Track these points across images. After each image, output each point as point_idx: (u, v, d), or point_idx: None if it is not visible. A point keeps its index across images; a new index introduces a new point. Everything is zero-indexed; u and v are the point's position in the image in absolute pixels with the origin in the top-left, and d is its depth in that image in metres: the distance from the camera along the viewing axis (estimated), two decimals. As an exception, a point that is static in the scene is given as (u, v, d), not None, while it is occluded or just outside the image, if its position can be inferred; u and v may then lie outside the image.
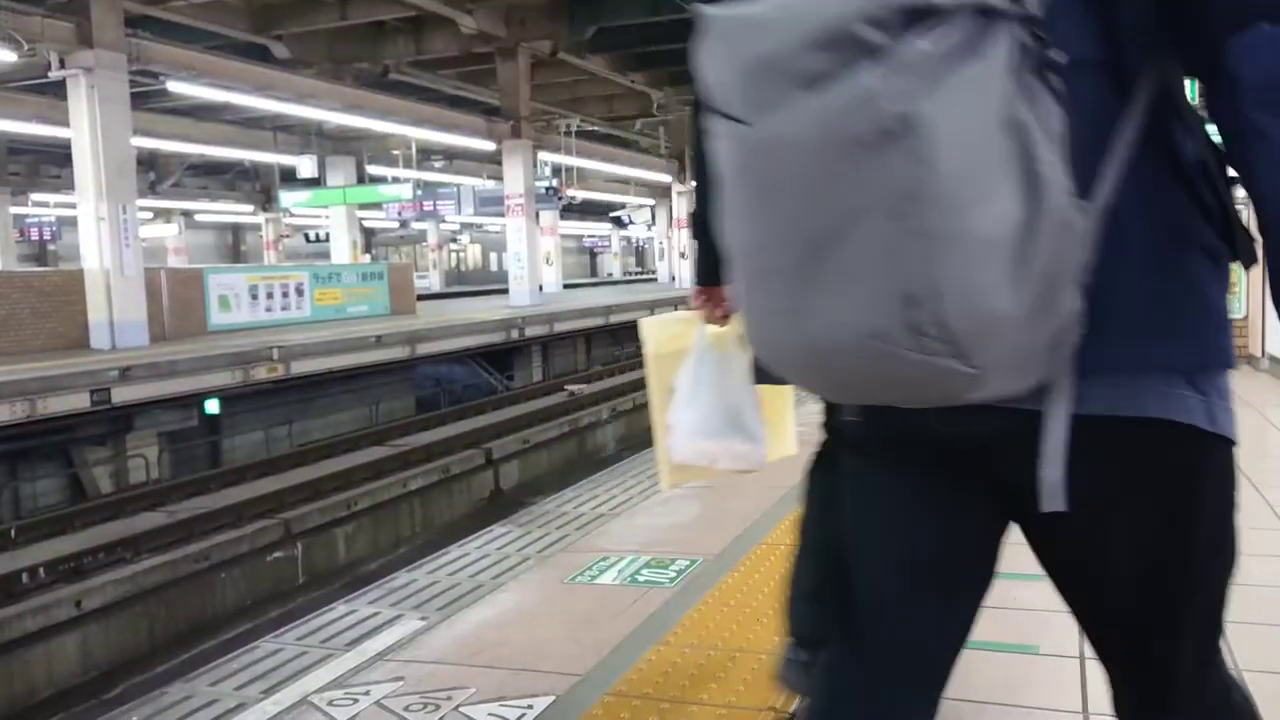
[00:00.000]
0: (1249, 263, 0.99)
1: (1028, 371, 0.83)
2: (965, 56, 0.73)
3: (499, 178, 20.83)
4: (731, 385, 1.96)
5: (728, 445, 1.99)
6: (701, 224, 1.80)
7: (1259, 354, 7.10)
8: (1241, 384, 6.40)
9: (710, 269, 1.92)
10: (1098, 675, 2.22)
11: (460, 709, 2.24)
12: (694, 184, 1.99)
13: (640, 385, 16.36)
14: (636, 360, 19.45)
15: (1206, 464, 1.00)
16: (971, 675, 2.28)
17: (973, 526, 1.06)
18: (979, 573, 1.11)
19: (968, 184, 0.73)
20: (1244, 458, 3.61)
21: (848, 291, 0.76)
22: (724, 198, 0.85)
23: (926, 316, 0.74)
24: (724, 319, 1.94)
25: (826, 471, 2.09)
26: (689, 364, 1.99)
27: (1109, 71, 0.88)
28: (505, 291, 21.32)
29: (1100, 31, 0.87)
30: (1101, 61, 0.88)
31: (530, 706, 2.24)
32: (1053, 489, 0.88)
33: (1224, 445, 0.99)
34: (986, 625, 2.53)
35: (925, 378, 0.78)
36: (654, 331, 2.21)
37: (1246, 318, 7.28)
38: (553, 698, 2.28)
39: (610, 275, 54.29)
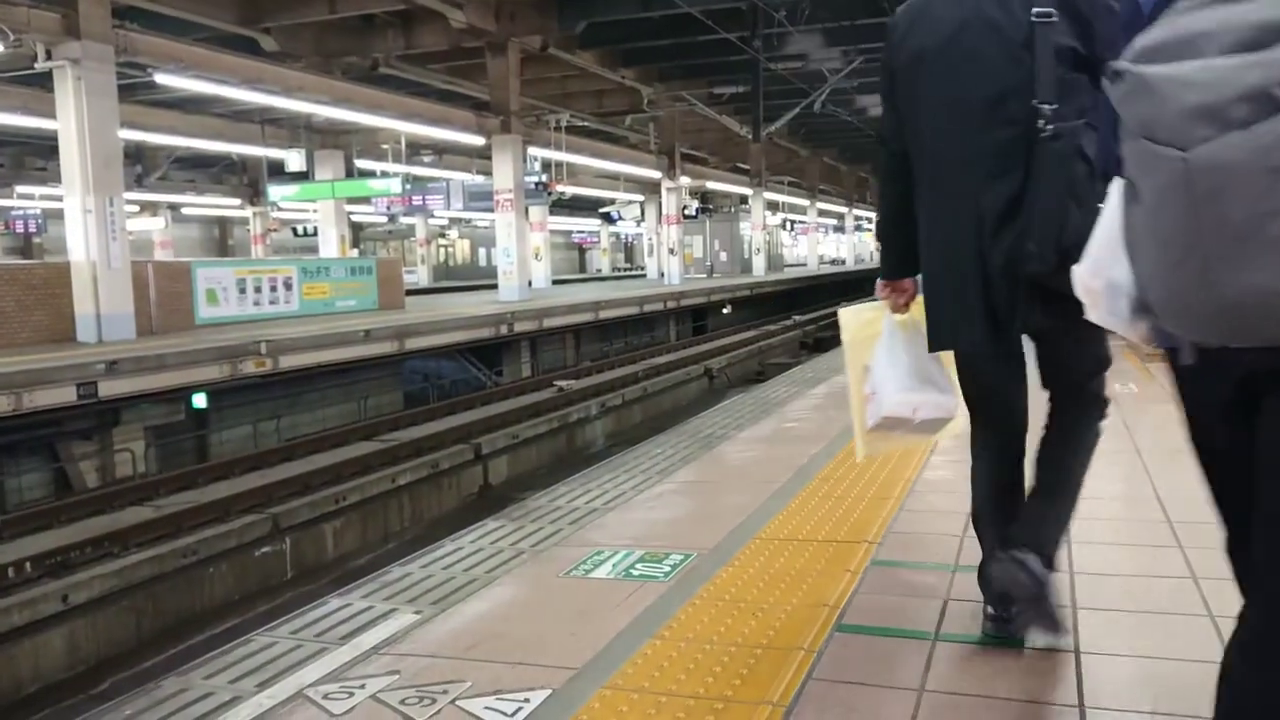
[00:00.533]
0: None
1: None
2: None
3: (488, 173, 20.79)
4: (920, 353, 2.46)
5: (928, 396, 2.48)
6: (889, 230, 2.47)
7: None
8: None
9: (895, 266, 2.50)
10: (1093, 668, 2.24)
11: (457, 702, 2.24)
12: (880, 203, 2.55)
13: (629, 381, 16.38)
14: (625, 357, 19.46)
15: None
16: (967, 670, 2.29)
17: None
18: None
19: None
20: (1236, 454, 3.55)
21: (1264, 264, 1.08)
22: (1134, 205, 1.24)
23: None
24: (905, 306, 2.52)
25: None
26: (881, 342, 2.52)
27: None
28: (494, 287, 21.29)
29: None
30: None
31: (527, 700, 2.24)
32: None
33: None
34: (980, 619, 2.55)
35: None
36: (849, 320, 2.68)
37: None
38: (550, 691, 2.28)
39: (599, 271, 54.29)
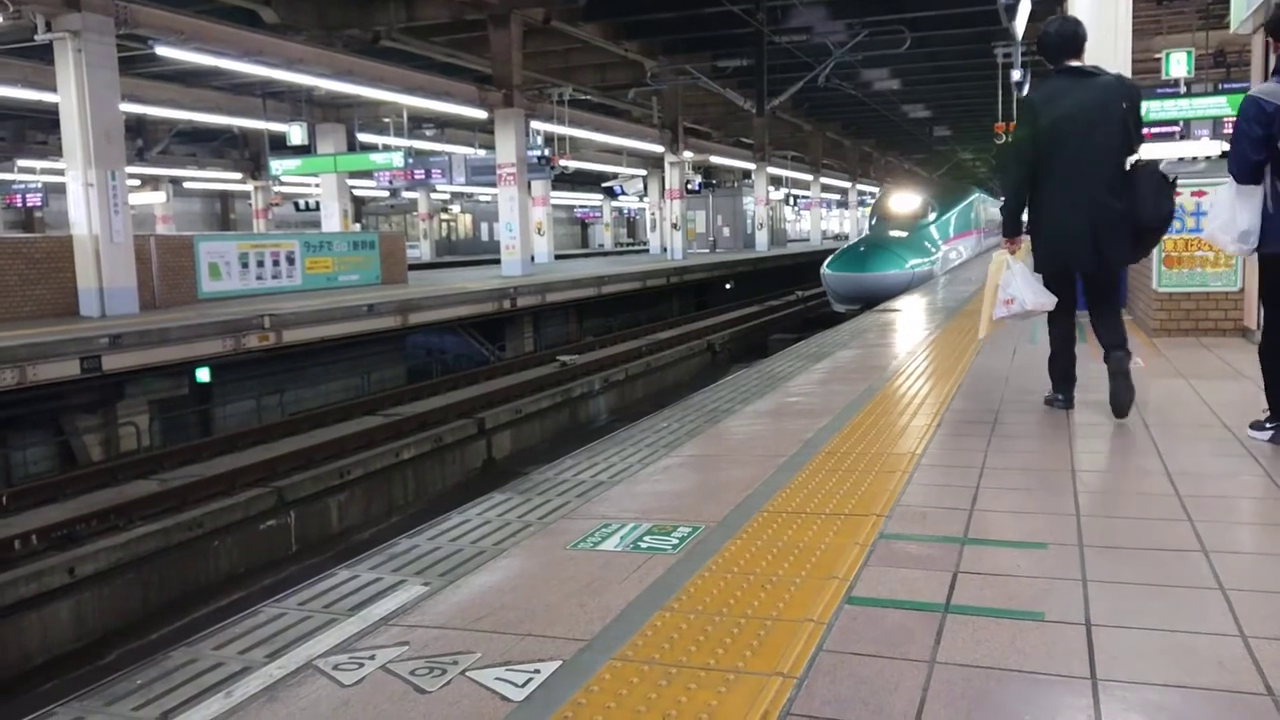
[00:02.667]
0: None
1: None
2: None
3: (491, 147, 20.68)
4: (1033, 278, 4.69)
5: (1046, 298, 4.66)
6: (1015, 211, 4.64)
7: (1254, 327, 7.11)
8: (1237, 356, 6.42)
9: (1014, 230, 4.69)
10: (1104, 641, 2.23)
11: (467, 673, 2.24)
12: (1010, 197, 4.74)
13: (632, 356, 16.39)
14: (629, 332, 19.43)
15: None
16: (978, 642, 2.29)
17: None
18: None
19: None
20: (1241, 428, 3.64)
21: None
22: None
23: None
24: (1015, 251, 4.73)
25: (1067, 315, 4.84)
26: (1014, 271, 4.71)
27: None
28: (497, 262, 21.23)
29: None
30: None
31: (537, 671, 2.23)
32: None
33: None
34: (990, 592, 2.54)
35: None
36: (993, 262, 4.94)
37: (1243, 291, 7.29)
38: (559, 662, 2.27)
39: (601, 246, 54.13)
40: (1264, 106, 3.70)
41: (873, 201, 23.52)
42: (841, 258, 17.99)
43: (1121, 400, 4.53)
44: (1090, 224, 4.43)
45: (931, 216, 19.82)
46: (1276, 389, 4.02)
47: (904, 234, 18.79)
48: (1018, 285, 4.66)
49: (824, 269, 17.89)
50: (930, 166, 53.32)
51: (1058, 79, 4.61)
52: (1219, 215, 3.97)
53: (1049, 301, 4.66)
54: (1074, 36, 4.60)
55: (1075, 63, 4.58)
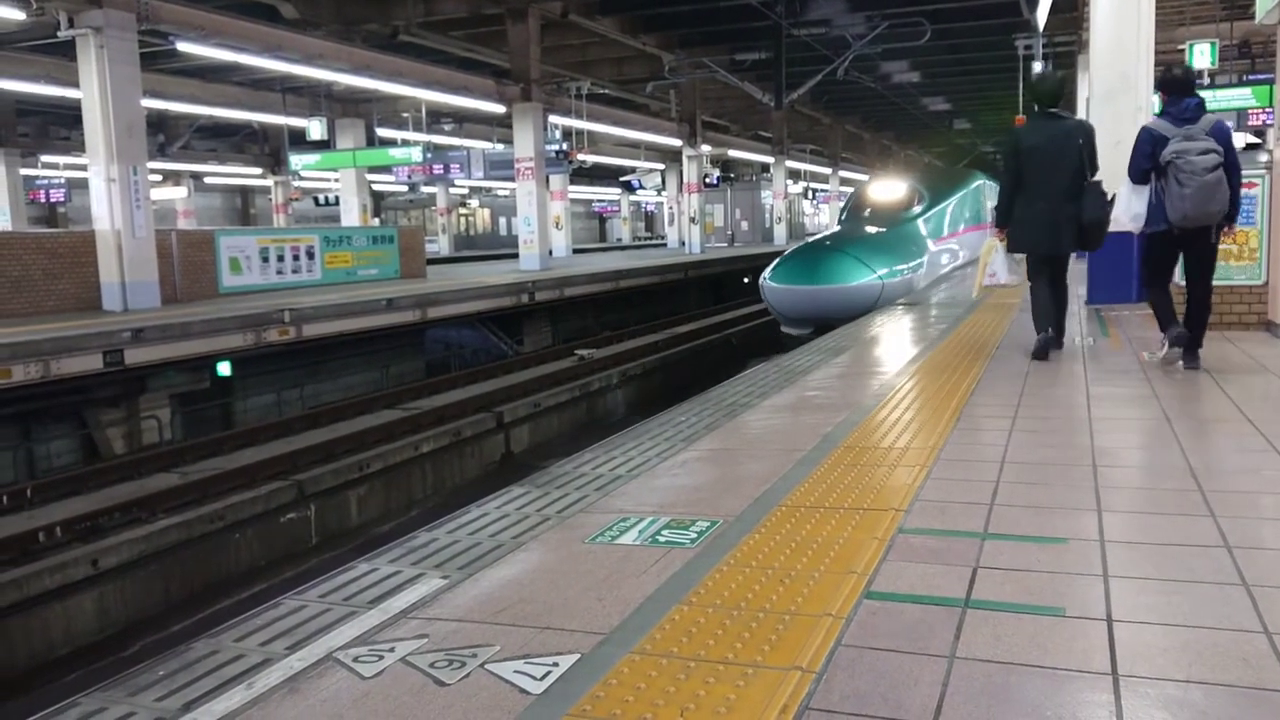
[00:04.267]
0: None
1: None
2: None
3: (509, 141, 20.70)
4: (1010, 259, 6.75)
5: (1015, 276, 6.84)
6: (1005, 209, 6.34)
7: (1279, 321, 7.04)
8: (1262, 350, 6.36)
9: (1003, 223, 6.37)
10: (1125, 636, 2.22)
11: (486, 666, 2.24)
12: (1002, 200, 6.37)
13: (649, 351, 16.39)
14: (647, 326, 19.42)
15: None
16: (998, 637, 2.28)
17: None
18: None
19: None
20: (1265, 423, 3.61)
21: (1208, 206, 5.37)
22: (1173, 189, 5.42)
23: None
24: (1003, 239, 6.51)
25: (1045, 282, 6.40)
26: (997, 253, 6.79)
27: None
28: (515, 256, 21.26)
29: None
30: None
31: (556, 664, 2.24)
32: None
33: None
34: (1010, 587, 2.53)
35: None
36: (986, 245, 7.74)
37: (1267, 284, 7.21)
38: (578, 655, 2.28)
39: (619, 240, 54.12)
40: (1153, 134, 5.52)
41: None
42: (788, 264, 13.44)
43: (1041, 349, 6.37)
44: (1052, 220, 6.18)
45: (918, 208, 15.65)
46: (1162, 312, 5.85)
47: (880, 230, 14.80)
48: (998, 263, 6.81)
49: (764, 279, 13.43)
50: (950, 160, 53.00)
51: (1038, 119, 6.43)
52: (1120, 205, 5.72)
53: (1017, 280, 6.79)
54: (1055, 91, 6.53)
55: (1052, 110, 6.41)
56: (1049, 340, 6.36)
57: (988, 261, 6.97)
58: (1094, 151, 6.19)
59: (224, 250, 14.22)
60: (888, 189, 16.40)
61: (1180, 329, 5.73)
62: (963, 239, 17.18)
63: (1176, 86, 5.59)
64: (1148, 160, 5.48)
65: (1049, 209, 6.13)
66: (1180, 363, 5.79)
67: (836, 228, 17.03)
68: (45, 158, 25.91)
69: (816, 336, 9.38)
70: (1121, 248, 8.95)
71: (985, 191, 19.24)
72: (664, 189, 36.89)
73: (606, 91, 25.15)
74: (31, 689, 6.52)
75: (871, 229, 14.75)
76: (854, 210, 16.19)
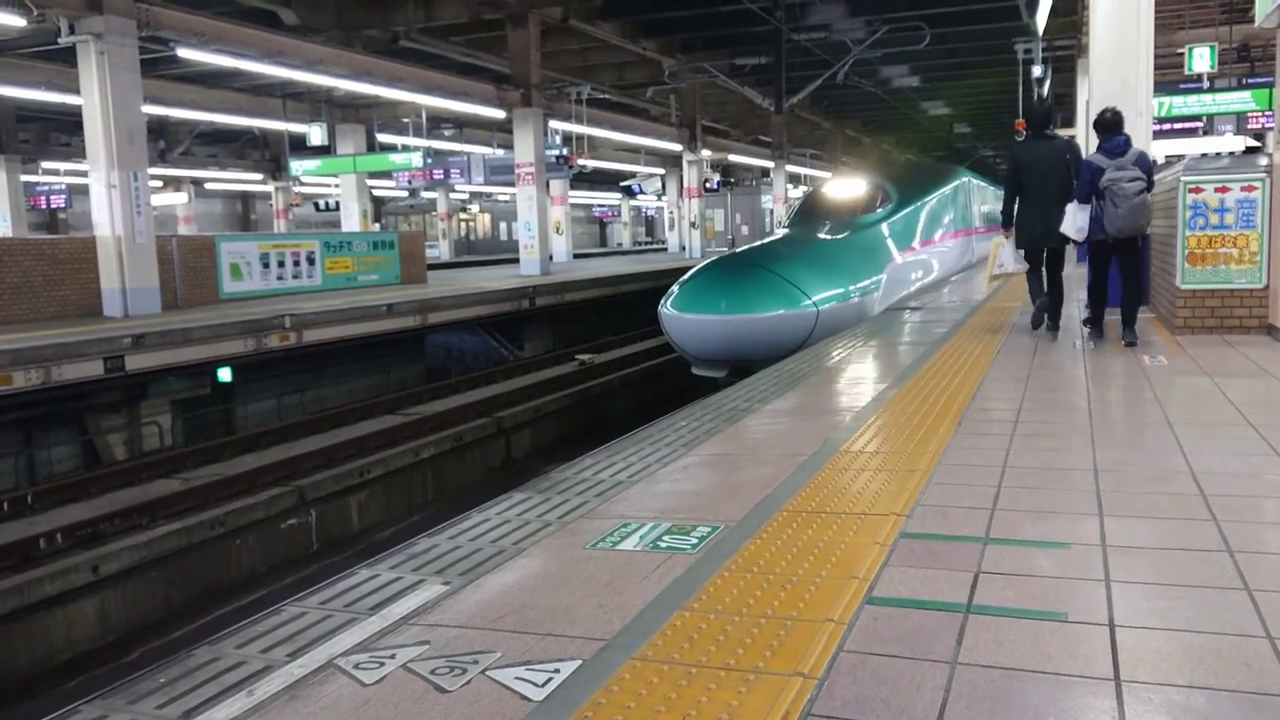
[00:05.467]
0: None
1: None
2: None
3: (509, 146, 20.71)
4: (1015, 252, 7.85)
5: (1021, 265, 7.88)
6: (1009, 214, 7.67)
7: (1279, 324, 7.04)
8: (1262, 354, 6.36)
9: (1007, 224, 7.71)
10: (1128, 642, 2.21)
11: (487, 673, 2.24)
12: (1006, 206, 7.71)
13: (650, 355, 16.38)
14: (647, 332, 19.42)
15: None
16: (1000, 643, 2.27)
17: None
18: None
19: None
20: (1266, 427, 3.60)
21: (1133, 220, 6.85)
22: (1109, 209, 6.83)
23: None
24: (1008, 237, 7.80)
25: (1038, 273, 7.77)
26: (1004, 248, 7.91)
27: None
28: (515, 261, 21.26)
29: None
30: None
31: (557, 670, 2.23)
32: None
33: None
34: (1012, 592, 2.53)
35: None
36: (995, 241, 8.27)
37: (1268, 288, 7.21)
38: (579, 662, 2.27)
39: (620, 245, 54.14)
40: (1093, 167, 6.90)
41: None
42: (694, 285, 10.22)
43: (1037, 317, 7.80)
44: (1045, 219, 7.36)
45: (881, 211, 12.80)
46: (1094, 300, 7.55)
47: (827, 239, 12.02)
48: (1006, 255, 7.90)
49: (663, 306, 10.22)
50: (951, 163, 52.93)
51: (1032, 139, 7.76)
52: (1067, 220, 7.07)
53: (1022, 268, 7.86)
54: (1047, 116, 8.08)
55: (1046, 131, 7.82)
56: (1044, 306, 7.72)
57: (997, 255, 8.00)
58: (1080, 163, 7.23)
59: (225, 256, 14.23)
60: (845, 188, 13.53)
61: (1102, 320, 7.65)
62: (940, 248, 14.33)
63: (1108, 127, 6.96)
64: (1090, 187, 6.88)
65: (1043, 211, 7.36)
66: (1089, 339, 7.44)
67: (776, 234, 13.82)
68: (46, 164, 25.96)
69: (736, 379, 7.42)
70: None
71: (971, 192, 16.85)
72: (664, 194, 36.91)
73: (607, 96, 25.18)
74: (32, 696, 6.51)
75: (822, 237, 12.11)
76: (803, 215, 13.29)
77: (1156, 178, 7.37)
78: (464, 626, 2.53)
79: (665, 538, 3.15)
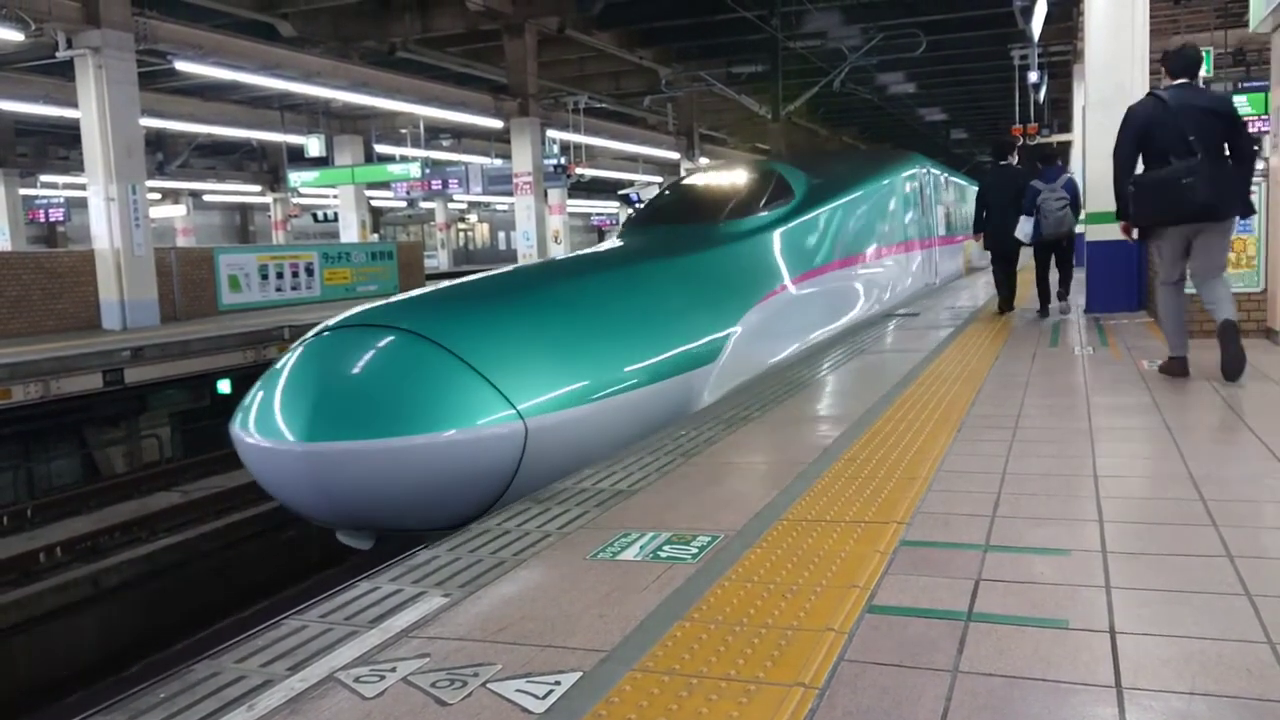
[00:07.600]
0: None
1: None
2: None
3: (507, 156, 20.76)
4: (1027, 226, 9.73)
5: (981, 261, 13.30)
6: (981, 225, 9.94)
7: (1278, 327, 7.04)
8: (1261, 358, 6.36)
9: (980, 230, 9.99)
10: (1129, 648, 2.21)
11: (487, 685, 2.24)
12: (976, 220, 10.01)
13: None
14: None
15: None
16: (1001, 651, 2.27)
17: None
18: None
19: None
20: (1266, 432, 3.60)
21: (1054, 226, 9.51)
22: (1042, 220, 9.50)
23: None
24: (979, 240, 10.21)
25: (1006, 264, 10.11)
26: (975, 248, 13.30)
27: None
28: (514, 270, 21.24)
29: None
30: None
31: (558, 682, 2.23)
32: None
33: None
34: (1013, 600, 2.53)
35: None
36: (967, 244, 15.54)
37: (1266, 291, 7.21)
38: (580, 673, 2.27)
39: (618, 253, 54.03)
40: (1035, 190, 9.29)
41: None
42: (284, 374, 5.14)
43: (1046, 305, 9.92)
44: (1003, 228, 9.54)
45: (768, 212, 8.34)
46: (1040, 288, 9.79)
47: (644, 260, 7.34)
48: (974, 254, 9.87)
49: (234, 424, 5.18)
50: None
51: (997, 168, 10.07)
52: (1020, 228, 9.25)
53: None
54: (1005, 149, 10.36)
55: (1003, 161, 10.10)
56: (1044, 296, 9.90)
57: (969, 253, 10.88)
58: (1027, 187, 9.49)
59: (223, 268, 14.25)
60: (721, 178, 9.28)
61: (1054, 303, 9.98)
62: (868, 270, 10.04)
63: (1047, 160, 9.85)
64: (1032, 205, 9.33)
65: (1002, 222, 9.60)
66: (1063, 312, 9.85)
67: (602, 246, 8.70)
68: (44, 177, 25.99)
69: (379, 543, 5.28)
70: (1122, 258, 8.98)
71: (931, 188, 13.12)
72: (662, 202, 36.87)
73: (604, 105, 25.23)
74: (33, 711, 6.49)
75: (638, 257, 7.48)
76: (649, 218, 8.86)
77: None
78: (464, 639, 2.52)
79: (665, 548, 3.15)
